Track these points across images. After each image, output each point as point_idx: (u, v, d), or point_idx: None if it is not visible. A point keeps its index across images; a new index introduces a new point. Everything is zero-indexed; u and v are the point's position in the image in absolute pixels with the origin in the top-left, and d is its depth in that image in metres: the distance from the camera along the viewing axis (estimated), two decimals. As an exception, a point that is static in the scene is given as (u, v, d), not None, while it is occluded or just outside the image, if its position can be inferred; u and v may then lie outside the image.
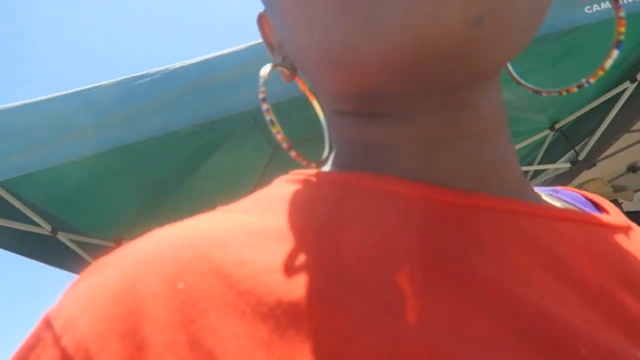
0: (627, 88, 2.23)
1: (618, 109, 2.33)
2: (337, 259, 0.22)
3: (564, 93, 0.30)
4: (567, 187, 0.37)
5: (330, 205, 0.26)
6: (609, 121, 2.43)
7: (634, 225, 0.30)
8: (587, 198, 0.35)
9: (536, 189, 0.32)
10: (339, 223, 0.24)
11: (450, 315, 0.20)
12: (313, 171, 0.30)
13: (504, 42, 0.21)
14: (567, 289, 0.23)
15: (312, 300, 0.20)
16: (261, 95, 0.30)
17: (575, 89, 0.29)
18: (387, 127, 0.28)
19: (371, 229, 0.24)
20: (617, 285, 0.24)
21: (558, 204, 0.31)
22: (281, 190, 0.28)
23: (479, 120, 0.27)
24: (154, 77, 1.38)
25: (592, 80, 0.29)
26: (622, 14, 0.27)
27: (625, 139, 3.01)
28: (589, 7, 1.48)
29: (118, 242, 2.36)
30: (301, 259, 0.22)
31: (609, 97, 2.32)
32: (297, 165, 0.32)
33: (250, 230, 0.23)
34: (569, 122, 2.58)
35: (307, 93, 0.34)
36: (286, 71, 0.33)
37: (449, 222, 0.24)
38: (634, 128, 2.78)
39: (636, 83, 2.20)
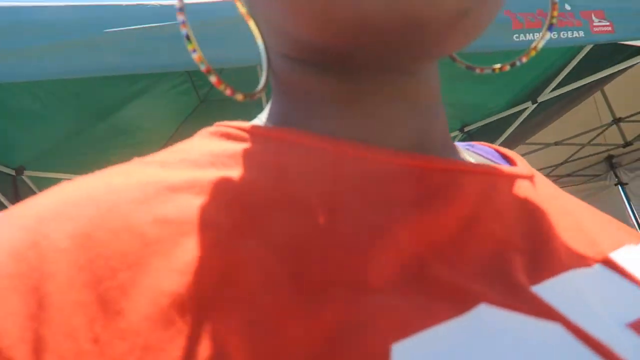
0: (527, 107, 2.69)
1: (519, 123, 2.76)
2: (256, 216, 0.21)
3: (497, 71, 0.31)
4: (482, 143, 0.37)
5: (254, 160, 0.25)
6: (510, 132, 2.80)
7: (537, 173, 0.32)
8: (499, 152, 0.36)
9: (456, 144, 0.33)
10: (263, 179, 0.23)
11: (353, 268, 0.20)
12: (241, 124, 0.27)
13: (476, 31, 0.22)
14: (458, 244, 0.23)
15: (230, 261, 0.19)
16: (179, 5, 0.27)
17: (508, 67, 0.31)
18: (334, 80, 0.27)
19: (288, 183, 0.23)
20: (514, 235, 0.25)
21: (472, 159, 0.32)
22: (204, 143, 0.26)
23: (420, 87, 0.27)
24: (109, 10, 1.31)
25: (524, 59, 0.30)
26: None
27: (521, 149, 3.41)
28: (517, 35, 1.66)
29: (19, 171, 2.24)
30: (220, 216, 0.21)
31: (513, 112, 2.78)
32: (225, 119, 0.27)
33: (167, 185, 0.22)
34: (477, 127, 2.89)
35: (246, 16, 0.30)
36: None
37: (367, 178, 0.24)
38: (528, 141, 3.19)
39: (536, 104, 2.65)
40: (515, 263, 0.23)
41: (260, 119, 0.30)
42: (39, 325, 0.17)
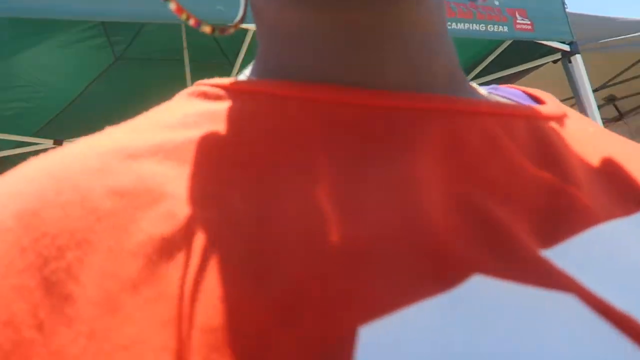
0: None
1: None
2: (219, 182, 0.19)
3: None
4: (509, 85, 0.32)
5: (226, 118, 0.22)
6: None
7: (570, 112, 0.28)
8: (526, 93, 0.31)
9: (475, 86, 0.29)
10: (232, 140, 0.21)
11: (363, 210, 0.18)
12: (221, 81, 0.25)
13: None
14: (476, 189, 0.20)
15: (193, 232, 0.17)
16: None
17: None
18: (321, 12, 0.23)
19: (255, 142, 0.21)
20: (523, 189, 0.21)
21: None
22: (180, 104, 0.24)
23: (415, 18, 0.23)
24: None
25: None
26: None
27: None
28: (449, 23, 1.69)
29: None
30: (180, 184, 0.19)
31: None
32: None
33: (128, 152, 0.20)
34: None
35: None
36: None
37: (362, 126, 0.22)
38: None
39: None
40: (520, 223, 0.19)
41: (244, 74, 0.27)
42: None
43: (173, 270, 0.17)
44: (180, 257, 0.17)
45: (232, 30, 0.25)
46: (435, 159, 0.21)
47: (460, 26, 1.71)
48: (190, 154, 0.20)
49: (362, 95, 0.22)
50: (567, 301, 0.17)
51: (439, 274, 0.17)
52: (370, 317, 0.16)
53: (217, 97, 0.23)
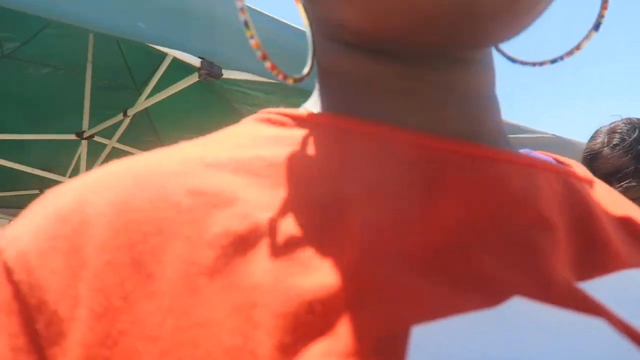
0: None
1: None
2: (289, 193, 0.22)
3: (541, 65, 0.31)
4: (542, 152, 0.36)
5: (294, 142, 0.24)
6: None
7: (599, 181, 0.31)
8: (557, 160, 0.34)
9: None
10: (300, 160, 0.23)
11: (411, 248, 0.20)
12: (285, 110, 0.27)
13: (527, 20, 0.22)
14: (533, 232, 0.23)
15: (256, 232, 0.20)
16: None
17: (548, 63, 0.30)
18: (385, 66, 0.26)
19: (335, 167, 0.23)
20: (561, 229, 0.24)
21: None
22: (247, 128, 0.27)
23: (472, 76, 0.27)
24: None
25: (566, 57, 0.30)
26: None
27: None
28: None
29: None
30: (252, 192, 0.21)
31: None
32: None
33: (205, 162, 0.23)
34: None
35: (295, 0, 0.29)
36: None
37: (431, 164, 0.24)
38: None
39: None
40: (559, 255, 0.22)
41: (305, 107, 0.30)
42: (77, 282, 0.19)
43: (247, 265, 0.19)
44: (253, 253, 0.19)
45: (304, 80, 0.28)
46: (481, 195, 0.23)
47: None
48: (260, 169, 0.23)
49: (420, 137, 0.24)
50: (598, 324, 0.19)
51: (486, 291, 0.19)
52: (424, 318, 0.18)
53: (282, 124, 0.26)
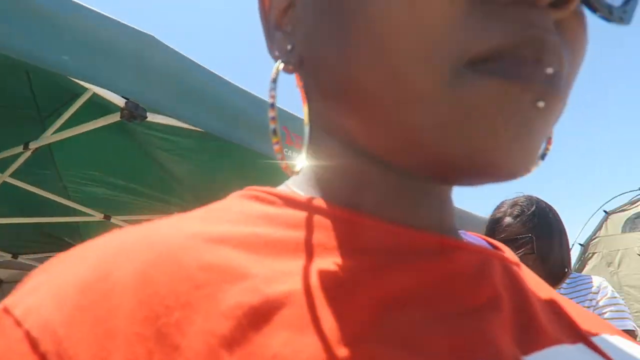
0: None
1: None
2: (286, 267, 0.24)
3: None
4: (472, 232, 0.41)
5: (281, 220, 0.27)
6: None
7: (521, 263, 0.36)
8: (486, 241, 0.39)
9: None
10: (289, 236, 0.26)
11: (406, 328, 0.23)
12: (270, 189, 0.30)
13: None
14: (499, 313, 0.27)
15: (268, 305, 0.22)
16: (271, 100, 0.28)
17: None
18: (384, 173, 0.29)
19: (323, 248, 0.26)
20: (506, 308, 0.28)
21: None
22: (235, 203, 0.29)
23: (447, 188, 0.32)
24: None
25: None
26: None
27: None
28: (286, 150, 1.82)
29: None
30: (255, 266, 0.24)
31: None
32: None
33: (208, 237, 0.25)
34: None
35: (303, 96, 0.30)
36: (289, 67, 0.30)
37: (395, 246, 0.27)
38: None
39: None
40: (506, 332, 0.26)
41: (287, 186, 0.33)
42: (107, 353, 0.20)
43: (263, 337, 0.21)
44: (267, 325, 0.21)
45: (297, 172, 0.30)
46: (440, 274, 0.27)
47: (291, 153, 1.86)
48: (259, 247, 0.25)
49: (398, 228, 0.28)
50: None
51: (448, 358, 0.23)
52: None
53: (270, 202, 0.29)
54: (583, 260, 5.80)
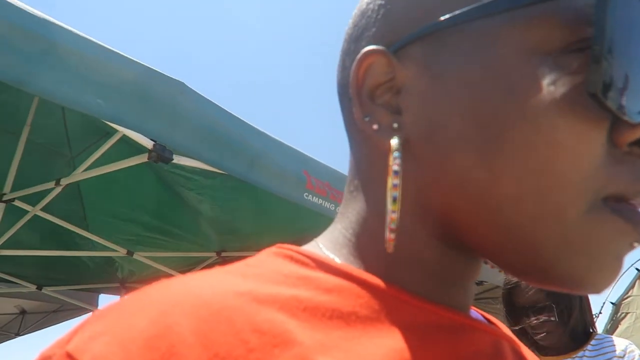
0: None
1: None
2: (329, 336, 0.26)
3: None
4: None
5: (320, 285, 0.28)
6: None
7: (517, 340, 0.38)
8: (483, 316, 0.41)
9: None
10: (331, 306, 0.27)
11: None
12: (303, 250, 0.31)
13: None
14: None
15: None
16: (396, 168, 0.29)
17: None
18: (449, 258, 0.31)
19: (363, 319, 0.28)
20: None
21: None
22: (270, 261, 0.31)
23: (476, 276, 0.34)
24: None
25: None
26: None
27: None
28: (307, 194, 1.84)
29: None
30: (301, 333, 0.25)
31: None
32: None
33: (254, 297, 0.26)
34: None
35: (390, 172, 0.29)
36: (386, 143, 0.30)
37: (434, 326, 0.29)
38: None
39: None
40: None
41: (319, 247, 0.34)
42: None
43: None
44: None
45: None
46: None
47: (315, 200, 1.87)
48: (299, 312, 0.26)
49: (436, 308, 0.30)
50: None
51: None
52: None
53: (303, 264, 0.30)
54: (615, 320, 5.53)
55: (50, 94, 1.29)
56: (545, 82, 0.26)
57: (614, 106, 0.26)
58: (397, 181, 0.29)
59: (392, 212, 0.28)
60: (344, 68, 0.34)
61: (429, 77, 0.29)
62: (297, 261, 0.30)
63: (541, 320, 1.44)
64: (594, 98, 0.26)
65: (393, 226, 0.29)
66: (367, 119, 0.31)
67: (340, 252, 0.32)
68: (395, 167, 0.29)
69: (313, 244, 0.34)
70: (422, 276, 0.31)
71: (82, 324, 0.25)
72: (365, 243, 0.32)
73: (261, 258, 0.31)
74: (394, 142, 0.29)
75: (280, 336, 0.24)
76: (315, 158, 1.96)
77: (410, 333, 0.28)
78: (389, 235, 0.29)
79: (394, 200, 0.28)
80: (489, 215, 0.28)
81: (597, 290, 0.29)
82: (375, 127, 0.30)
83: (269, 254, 0.31)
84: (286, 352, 0.24)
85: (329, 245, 0.33)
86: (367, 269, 0.31)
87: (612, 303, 5.67)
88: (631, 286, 5.68)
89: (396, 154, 0.29)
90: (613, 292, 5.72)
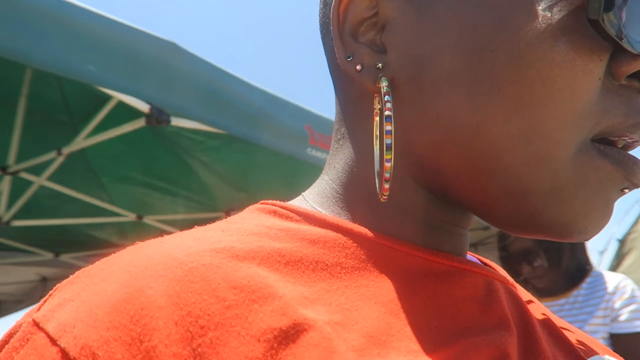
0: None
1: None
2: (313, 288, 0.25)
3: None
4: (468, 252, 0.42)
5: (303, 236, 0.27)
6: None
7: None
8: (480, 260, 0.39)
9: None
10: (315, 258, 0.26)
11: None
12: (285, 204, 0.30)
13: None
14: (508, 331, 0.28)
15: (296, 328, 0.22)
16: (388, 113, 0.27)
17: None
18: (436, 207, 0.30)
19: (350, 268, 0.27)
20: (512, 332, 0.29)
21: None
22: (253, 217, 0.30)
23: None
24: None
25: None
26: None
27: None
28: (310, 150, 1.82)
29: None
30: (282, 287, 0.24)
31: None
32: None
33: (233, 253, 0.25)
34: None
35: (375, 116, 0.28)
36: (374, 85, 0.28)
37: (423, 270, 0.28)
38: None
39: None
40: (515, 353, 0.26)
41: (306, 201, 0.32)
42: None
43: (291, 357, 0.21)
44: (297, 347, 0.22)
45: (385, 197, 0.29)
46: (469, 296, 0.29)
47: (319, 155, 1.85)
48: (281, 266, 0.25)
49: (427, 253, 0.29)
50: None
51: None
52: None
53: (287, 217, 0.29)
54: (620, 256, 5.57)
55: (40, 62, 1.26)
56: (541, 7, 0.24)
57: (615, 34, 0.24)
58: (390, 127, 0.27)
59: (387, 161, 0.27)
60: (325, 4, 0.32)
61: (414, 9, 0.27)
62: (281, 215, 0.29)
63: (534, 264, 1.48)
64: (594, 25, 0.24)
65: (388, 175, 0.27)
66: (349, 58, 0.29)
67: (327, 204, 0.31)
68: (387, 112, 0.27)
69: (300, 198, 0.33)
70: (412, 224, 0.30)
71: (53, 291, 0.24)
72: (353, 193, 0.31)
73: (243, 215, 0.30)
74: (384, 84, 0.27)
75: (260, 291, 0.23)
76: (318, 113, 1.93)
77: (399, 281, 0.27)
78: (384, 186, 0.27)
79: (388, 148, 0.27)
80: (477, 161, 0.27)
81: (585, 237, 0.28)
82: (358, 67, 0.28)
83: (252, 210, 0.30)
84: (265, 306, 0.22)
85: (316, 199, 0.32)
86: (355, 220, 0.30)
87: (618, 240, 5.71)
88: (635, 222, 5.68)
89: (387, 97, 0.27)
90: (619, 228, 5.74)
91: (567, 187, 0.26)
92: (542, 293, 1.53)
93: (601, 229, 0.28)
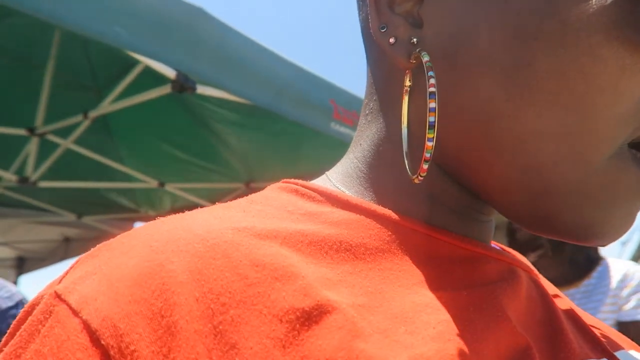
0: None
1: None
2: (336, 269, 0.24)
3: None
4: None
5: (327, 219, 0.27)
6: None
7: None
8: (502, 249, 0.39)
9: None
10: (338, 239, 0.26)
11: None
12: (309, 184, 0.29)
13: None
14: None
15: (326, 309, 0.22)
16: (431, 89, 0.25)
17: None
18: (459, 193, 0.29)
19: (373, 251, 0.26)
20: (534, 323, 0.28)
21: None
22: (275, 196, 0.29)
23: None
24: None
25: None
26: None
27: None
28: (334, 124, 1.81)
29: None
30: (304, 267, 0.23)
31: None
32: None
33: (255, 232, 0.24)
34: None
35: (404, 94, 0.28)
36: (406, 61, 0.27)
37: (450, 256, 0.28)
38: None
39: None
40: (534, 350, 0.25)
41: (330, 180, 0.31)
42: (168, 350, 0.20)
43: (316, 340, 0.21)
44: (319, 328, 0.21)
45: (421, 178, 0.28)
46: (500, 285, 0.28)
47: (342, 130, 1.84)
48: (304, 246, 0.25)
49: (451, 238, 0.28)
50: None
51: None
52: None
53: (310, 198, 0.29)
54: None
55: (69, 23, 1.26)
56: None
57: None
58: (433, 105, 0.25)
59: (429, 140, 0.25)
60: None
61: None
62: (304, 195, 0.29)
63: (538, 253, 1.48)
64: None
65: (428, 155, 0.26)
66: (383, 29, 0.27)
67: (352, 184, 0.30)
68: (432, 89, 0.25)
69: (323, 177, 0.32)
70: (437, 208, 0.29)
71: (75, 263, 0.24)
72: (379, 174, 0.30)
73: (265, 194, 0.29)
74: (425, 58, 0.26)
75: (282, 270, 0.22)
76: (343, 87, 1.90)
77: (422, 264, 0.26)
78: (422, 166, 0.26)
79: (432, 126, 0.25)
80: (507, 155, 0.25)
81: (601, 243, 0.27)
82: (392, 40, 0.27)
83: (274, 189, 0.30)
84: (288, 285, 0.22)
85: (340, 178, 0.31)
86: (379, 201, 0.29)
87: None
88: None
89: (430, 72, 0.26)
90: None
91: (593, 191, 0.25)
92: (552, 283, 1.52)
93: (619, 237, 0.27)
